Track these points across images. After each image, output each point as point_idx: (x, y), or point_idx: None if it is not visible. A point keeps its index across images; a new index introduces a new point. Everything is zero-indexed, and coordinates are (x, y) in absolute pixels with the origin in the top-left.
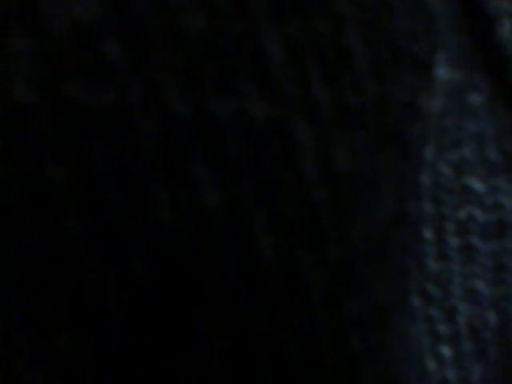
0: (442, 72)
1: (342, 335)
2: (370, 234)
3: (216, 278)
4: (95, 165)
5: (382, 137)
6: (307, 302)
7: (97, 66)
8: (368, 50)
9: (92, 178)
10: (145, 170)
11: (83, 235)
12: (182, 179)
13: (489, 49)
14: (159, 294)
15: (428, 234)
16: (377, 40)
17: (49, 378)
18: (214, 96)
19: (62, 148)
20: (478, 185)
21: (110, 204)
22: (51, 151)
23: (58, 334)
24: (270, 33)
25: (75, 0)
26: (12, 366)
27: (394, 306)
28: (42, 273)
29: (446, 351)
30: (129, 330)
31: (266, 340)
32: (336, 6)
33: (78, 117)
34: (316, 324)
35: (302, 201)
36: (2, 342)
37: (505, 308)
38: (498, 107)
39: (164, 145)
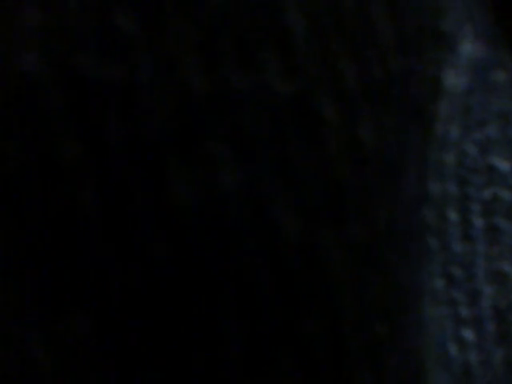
0: (468, 48)
1: (365, 318)
2: (394, 214)
3: (234, 259)
4: (109, 141)
5: (407, 115)
6: (330, 284)
7: (109, 39)
8: (393, 24)
9: (106, 155)
10: (160, 147)
11: (98, 213)
12: (199, 156)
13: None
14: (175, 273)
15: (452, 214)
16: (402, 14)
17: (61, 355)
18: (233, 69)
19: (74, 123)
20: (503, 165)
21: (124, 181)
22: (63, 126)
23: (73, 313)
24: (291, 5)
25: None
26: (24, 341)
27: (418, 289)
28: (57, 250)
29: (468, 334)
30: (145, 311)
31: (287, 322)
32: None
33: (89, 91)
34: (338, 306)
35: (325, 179)
36: (16, 318)
37: None
38: None
39: (180, 120)
